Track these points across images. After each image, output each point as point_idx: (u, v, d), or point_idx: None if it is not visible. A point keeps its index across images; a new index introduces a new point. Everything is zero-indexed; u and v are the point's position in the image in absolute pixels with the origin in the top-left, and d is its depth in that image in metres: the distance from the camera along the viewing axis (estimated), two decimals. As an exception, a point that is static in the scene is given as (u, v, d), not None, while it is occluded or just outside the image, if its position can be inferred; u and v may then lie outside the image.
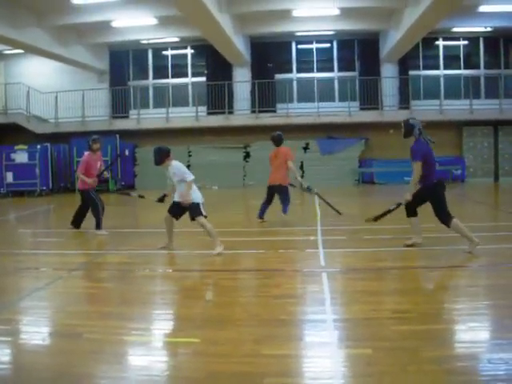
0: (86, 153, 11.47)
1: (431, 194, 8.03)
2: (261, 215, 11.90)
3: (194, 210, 8.59)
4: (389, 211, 8.79)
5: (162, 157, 8.64)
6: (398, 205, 8.54)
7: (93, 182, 11.16)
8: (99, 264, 8.54)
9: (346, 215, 12.53)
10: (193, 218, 8.70)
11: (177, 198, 8.71)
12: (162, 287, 7.17)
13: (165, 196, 9.39)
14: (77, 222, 11.59)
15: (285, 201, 11.84)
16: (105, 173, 11.82)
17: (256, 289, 6.80)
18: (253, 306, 5.87)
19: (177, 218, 8.95)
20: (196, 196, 8.62)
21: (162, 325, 5.40)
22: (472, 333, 4.76)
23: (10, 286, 7.16)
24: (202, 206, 8.63)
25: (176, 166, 8.67)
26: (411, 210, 8.34)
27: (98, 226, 11.09)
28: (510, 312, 5.19)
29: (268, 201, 11.95)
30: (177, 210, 8.81)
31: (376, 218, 9.06)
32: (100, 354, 4.45)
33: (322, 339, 4.76)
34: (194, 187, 8.67)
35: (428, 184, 8.04)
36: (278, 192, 11.89)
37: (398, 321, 5.05)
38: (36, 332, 5.16)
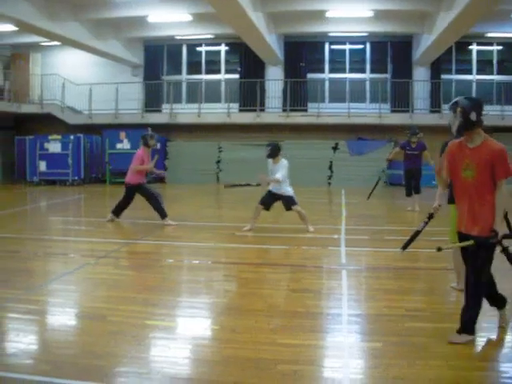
0: (141, 148, 11.28)
1: None
2: None
3: (289, 202, 10.20)
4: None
5: (277, 152, 10.19)
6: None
7: (149, 169, 11.24)
8: (127, 253, 8.82)
9: (371, 216, 12.62)
10: (289, 208, 10.27)
11: (274, 189, 10.21)
12: (186, 277, 7.42)
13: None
14: (117, 212, 11.46)
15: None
16: (162, 172, 12.03)
17: (276, 282, 6.98)
18: (272, 297, 6.05)
19: (267, 209, 10.41)
20: (289, 190, 10.22)
21: (182, 311, 5.63)
22: (481, 332, 4.87)
23: (39, 270, 7.49)
24: (294, 198, 10.23)
25: (284, 164, 10.13)
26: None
27: (163, 216, 11.03)
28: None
29: None
30: (269, 201, 10.30)
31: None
32: (121, 335, 4.69)
33: (335, 331, 4.94)
34: (287, 183, 10.23)
35: None
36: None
37: (409, 318, 5.19)
38: (62, 312, 5.44)
